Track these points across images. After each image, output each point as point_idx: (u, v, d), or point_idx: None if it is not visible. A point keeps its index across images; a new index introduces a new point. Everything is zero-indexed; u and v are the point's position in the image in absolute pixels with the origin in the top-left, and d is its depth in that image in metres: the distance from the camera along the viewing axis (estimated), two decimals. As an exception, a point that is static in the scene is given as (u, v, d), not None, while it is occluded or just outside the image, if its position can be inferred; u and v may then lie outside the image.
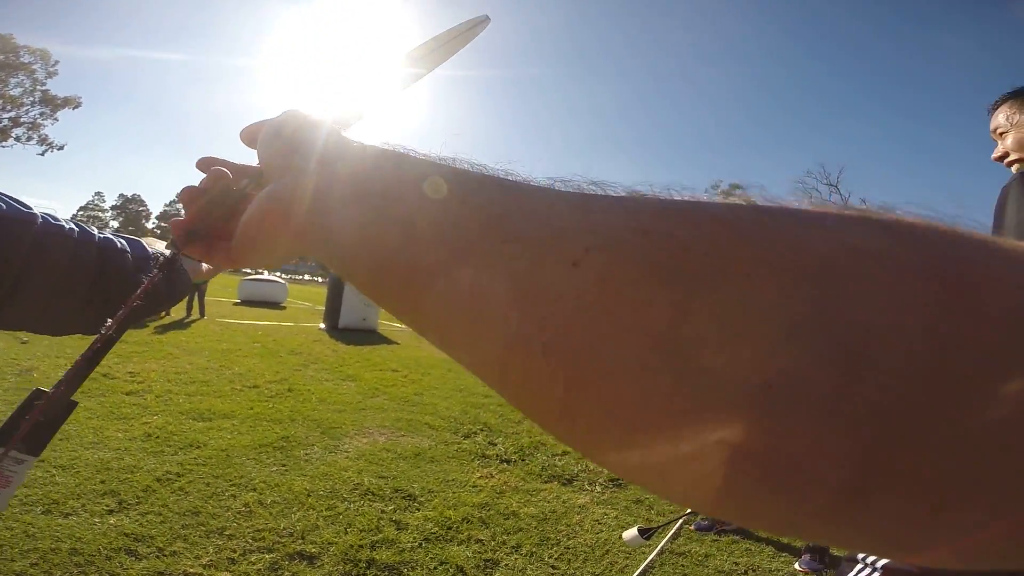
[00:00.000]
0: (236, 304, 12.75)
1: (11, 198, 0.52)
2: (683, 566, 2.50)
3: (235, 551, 2.08)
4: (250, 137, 0.34)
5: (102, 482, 2.45)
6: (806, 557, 2.61)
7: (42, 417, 0.42)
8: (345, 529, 2.38)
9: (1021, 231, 1.06)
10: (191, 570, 1.91)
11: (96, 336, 0.42)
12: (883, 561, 1.18)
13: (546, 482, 3.40)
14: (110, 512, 2.21)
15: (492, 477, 3.34)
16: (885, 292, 0.13)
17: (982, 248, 0.14)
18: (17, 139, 39.80)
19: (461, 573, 2.20)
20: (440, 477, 3.19)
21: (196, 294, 9.83)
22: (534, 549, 2.50)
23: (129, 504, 2.30)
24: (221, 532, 2.20)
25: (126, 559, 1.91)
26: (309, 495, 2.66)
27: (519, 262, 0.17)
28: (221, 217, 0.37)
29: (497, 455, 3.79)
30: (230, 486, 2.64)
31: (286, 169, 0.29)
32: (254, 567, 2.00)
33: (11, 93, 37.82)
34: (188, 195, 0.38)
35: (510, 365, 0.17)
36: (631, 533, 1.70)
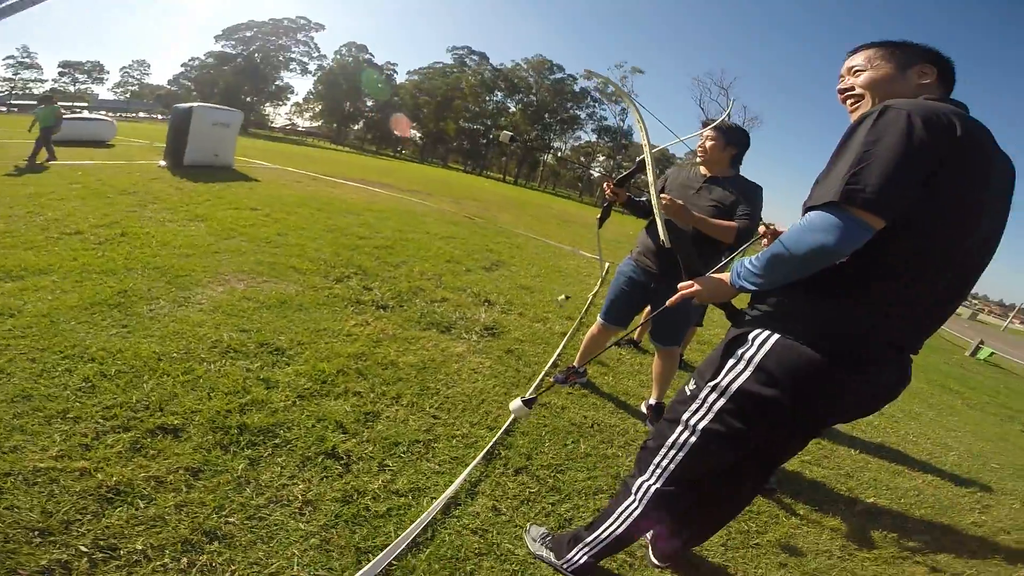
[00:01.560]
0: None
1: None
2: (544, 416, 2.68)
3: (86, 435, 1.81)
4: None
5: None
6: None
7: None
8: (208, 394, 2.18)
9: (859, 156, 1.07)
10: (41, 464, 1.63)
11: None
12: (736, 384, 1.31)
13: (424, 329, 3.39)
14: None
15: (368, 325, 3.24)
16: None
17: None
18: None
19: (340, 429, 2.15)
20: (310, 327, 3.02)
21: (45, 138, 9.12)
22: (415, 399, 2.52)
23: None
24: (64, 415, 1.89)
25: None
26: (160, 359, 2.38)
27: None
28: None
29: (373, 301, 3.66)
30: (62, 359, 2.25)
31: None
32: (112, 450, 1.76)
33: None
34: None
35: None
36: (516, 403, 1.72)
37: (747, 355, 1.26)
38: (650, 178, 1.84)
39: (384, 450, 2.09)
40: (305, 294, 3.54)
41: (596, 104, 60.19)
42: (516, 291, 4.91)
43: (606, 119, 60.28)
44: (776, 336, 1.22)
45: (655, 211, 1.76)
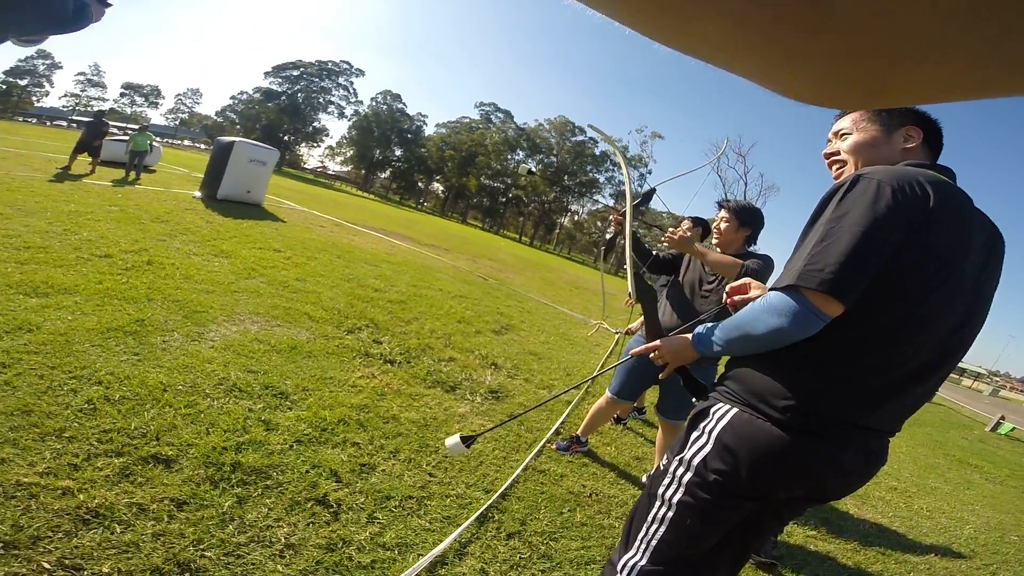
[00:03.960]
0: (94, 161, 10.92)
1: None
2: (542, 483, 2.66)
3: (77, 455, 1.83)
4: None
5: None
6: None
7: None
8: (207, 429, 2.21)
9: (824, 232, 1.06)
10: (24, 479, 1.65)
11: None
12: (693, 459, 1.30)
13: (429, 387, 3.40)
14: None
15: (374, 378, 3.27)
16: None
17: None
18: None
19: (335, 477, 2.15)
20: (317, 374, 3.06)
21: (134, 161, 11.56)
22: (412, 455, 2.51)
23: None
24: (60, 434, 1.92)
25: None
26: (165, 390, 2.42)
27: None
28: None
29: (381, 355, 3.70)
30: (70, 379, 2.30)
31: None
32: (101, 473, 1.78)
33: None
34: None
35: None
36: (453, 440, 1.72)
37: (707, 428, 1.25)
38: (627, 230, 1.86)
39: (376, 502, 2.07)
40: (316, 342, 3.59)
41: (615, 168, 61.78)
42: (523, 356, 4.93)
43: (624, 184, 61.71)
44: (735, 410, 1.20)
45: (627, 263, 1.77)
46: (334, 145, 75.01)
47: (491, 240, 34.28)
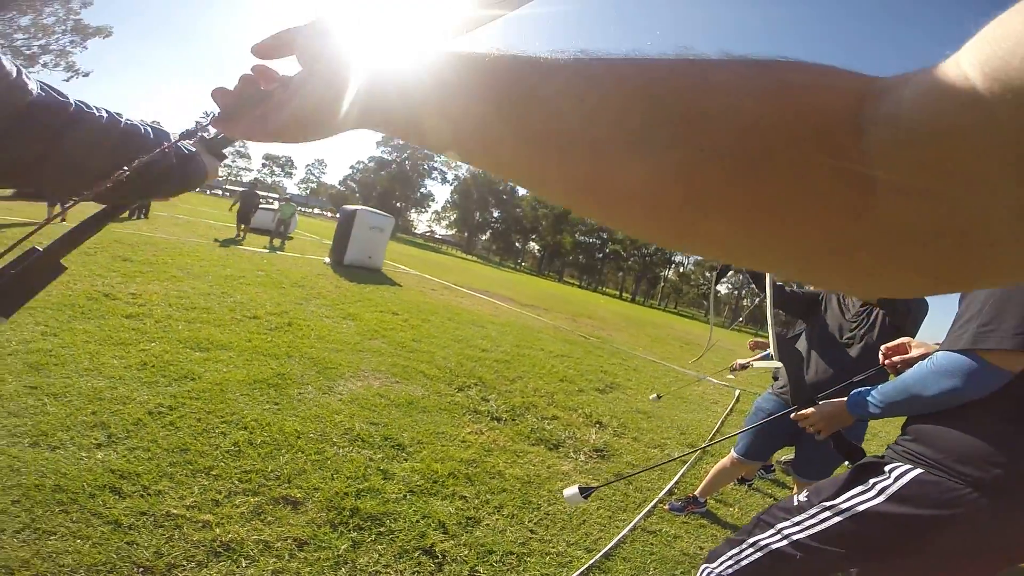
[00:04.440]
0: (245, 228, 12.72)
1: (53, 88, 0.66)
2: (652, 544, 2.57)
3: (220, 492, 2.10)
4: (275, 46, 0.42)
5: (93, 413, 2.45)
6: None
7: (25, 272, 0.48)
8: (332, 475, 2.42)
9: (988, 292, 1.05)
10: (174, 511, 1.92)
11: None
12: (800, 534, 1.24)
13: (533, 445, 3.45)
14: (98, 446, 2.21)
15: (482, 434, 3.39)
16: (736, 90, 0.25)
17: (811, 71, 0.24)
18: (44, 65, 42.29)
19: (442, 528, 2.24)
20: (431, 429, 3.23)
21: (283, 227, 13.69)
22: (515, 511, 2.55)
23: (118, 438, 2.30)
24: (208, 472, 2.22)
25: (110, 497, 1.92)
26: (299, 437, 2.70)
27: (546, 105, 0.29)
28: (252, 105, 0.45)
29: (488, 412, 3.83)
30: (221, 423, 2.66)
31: (338, 66, 0.38)
32: (238, 510, 2.02)
33: (44, 22, 40.84)
34: (221, 93, 0.46)
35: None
36: (572, 491, 1.73)
37: (881, 484, 1.20)
38: (767, 280, 1.81)
39: (478, 556, 2.13)
40: (430, 398, 3.80)
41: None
42: (631, 415, 4.82)
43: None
44: (918, 471, 1.17)
45: (768, 318, 1.71)
46: (439, 210, 79.99)
47: (590, 298, 34.17)
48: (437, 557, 2.05)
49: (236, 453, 2.42)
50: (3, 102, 0.54)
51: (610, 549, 2.40)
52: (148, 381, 2.93)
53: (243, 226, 12.53)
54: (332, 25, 0.39)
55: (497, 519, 2.44)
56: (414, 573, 1.94)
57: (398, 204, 70.58)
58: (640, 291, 68.44)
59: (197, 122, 0.50)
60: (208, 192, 63.07)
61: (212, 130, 0.48)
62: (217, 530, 1.88)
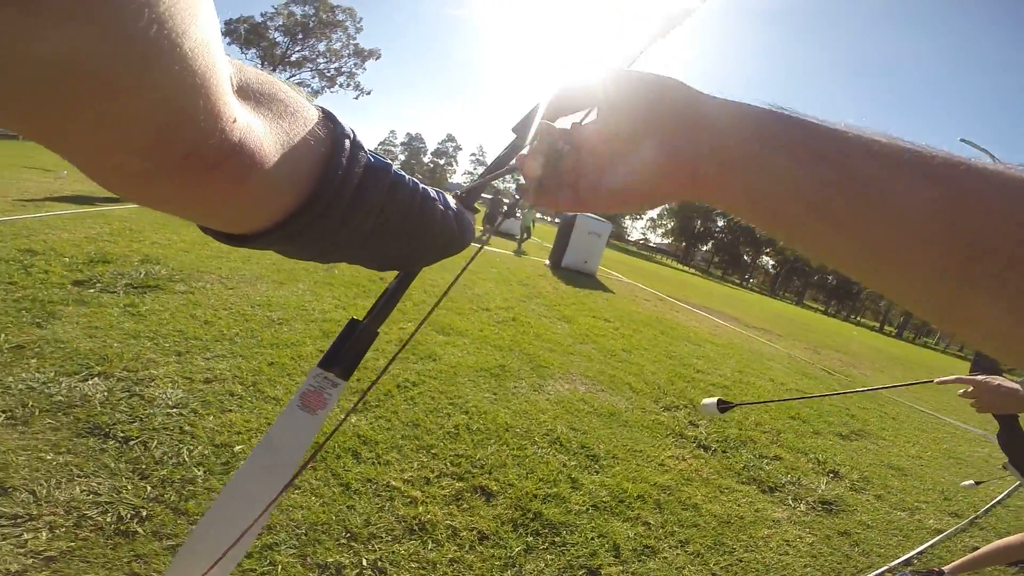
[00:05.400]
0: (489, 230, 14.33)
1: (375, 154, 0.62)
2: None
3: (433, 471, 2.33)
4: (567, 102, 0.41)
5: (356, 380, 2.88)
6: None
7: (354, 344, 0.53)
8: (527, 474, 2.56)
9: None
10: (393, 483, 2.16)
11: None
12: None
13: (743, 483, 3.17)
14: (357, 411, 2.59)
15: (683, 460, 3.25)
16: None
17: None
18: (340, 86, 52.83)
19: (615, 551, 2.19)
20: (628, 445, 3.22)
21: (526, 233, 15.66)
22: (702, 550, 2.38)
23: (370, 406, 2.74)
24: (429, 449, 2.51)
25: (349, 460, 2.23)
26: (507, 430, 2.93)
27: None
28: (555, 170, 0.43)
29: (696, 438, 3.64)
30: (449, 404, 3.03)
31: (670, 131, 0.35)
32: (443, 492, 2.23)
33: (333, 47, 50.78)
34: (523, 161, 0.44)
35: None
36: (710, 401, 1.60)
37: None
38: None
39: (646, 591, 2.03)
40: (633, 413, 3.79)
41: None
42: (879, 468, 4.10)
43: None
44: None
45: None
46: (655, 217, 77.40)
47: (838, 327, 29.67)
48: (600, 581, 2.00)
49: (455, 436, 2.72)
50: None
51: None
52: (401, 357, 3.48)
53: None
54: (639, 73, 0.37)
55: (678, 554, 2.31)
56: (571, 593, 1.91)
57: (612, 210, 71.03)
58: (910, 324, 56.52)
59: (496, 197, 0.44)
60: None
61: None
62: (420, 508, 2.05)
